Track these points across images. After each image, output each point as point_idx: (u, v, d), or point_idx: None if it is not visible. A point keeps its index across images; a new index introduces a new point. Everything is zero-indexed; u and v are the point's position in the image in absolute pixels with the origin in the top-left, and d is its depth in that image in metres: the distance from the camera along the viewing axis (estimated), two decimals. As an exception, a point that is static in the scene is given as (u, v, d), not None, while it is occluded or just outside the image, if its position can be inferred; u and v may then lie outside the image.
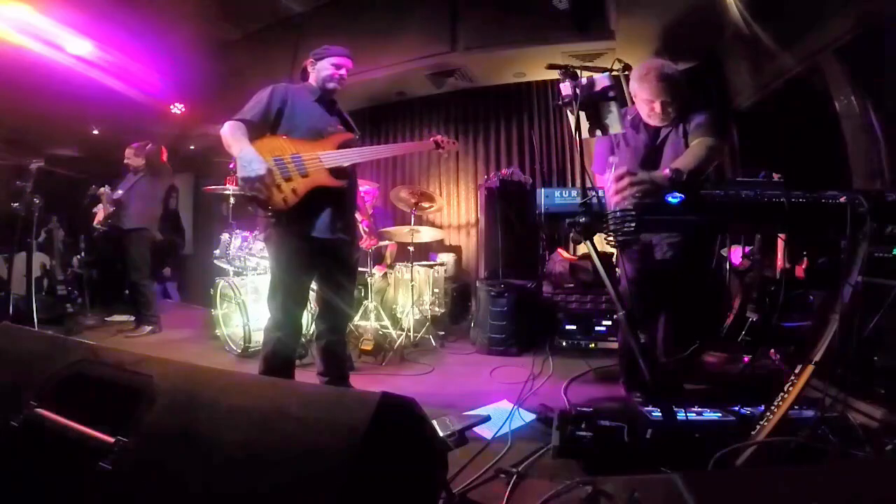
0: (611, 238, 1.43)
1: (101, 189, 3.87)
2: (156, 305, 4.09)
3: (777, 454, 1.42)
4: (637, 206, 1.43)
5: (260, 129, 2.02)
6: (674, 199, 1.48)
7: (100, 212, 3.88)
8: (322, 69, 2.19)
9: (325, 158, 2.04)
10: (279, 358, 2.03)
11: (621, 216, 1.40)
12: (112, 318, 4.59)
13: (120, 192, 3.85)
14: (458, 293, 4.34)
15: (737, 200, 1.46)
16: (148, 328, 3.93)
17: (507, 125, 4.85)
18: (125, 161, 4.00)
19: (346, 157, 2.08)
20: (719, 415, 1.66)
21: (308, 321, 3.01)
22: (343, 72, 2.19)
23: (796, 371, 1.52)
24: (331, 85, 2.18)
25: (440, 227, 4.90)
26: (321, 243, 2.05)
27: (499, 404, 2.26)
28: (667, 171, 1.50)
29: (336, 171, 2.05)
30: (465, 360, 3.26)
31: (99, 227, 3.90)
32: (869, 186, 2.43)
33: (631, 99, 2.06)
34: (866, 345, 1.51)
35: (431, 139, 2.45)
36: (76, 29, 4.44)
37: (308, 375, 2.85)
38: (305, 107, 2.14)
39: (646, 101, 1.94)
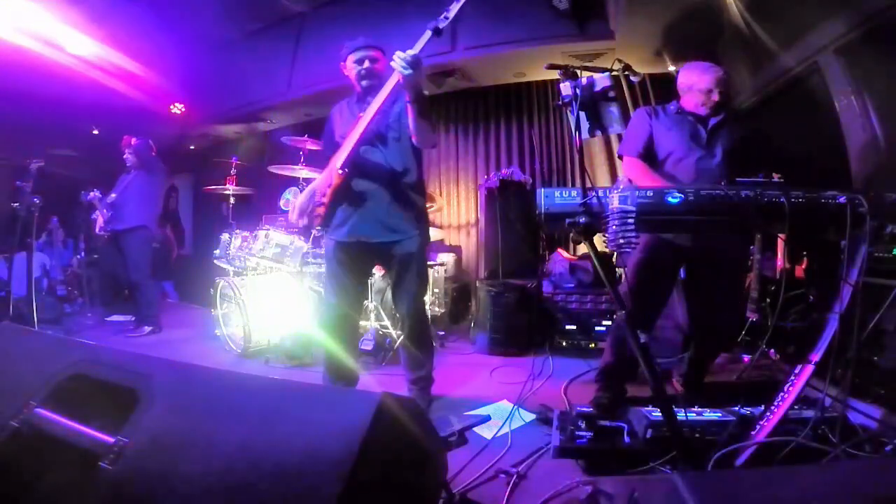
0: (612, 240, 1.42)
1: (92, 194, 3.83)
2: (157, 305, 4.08)
3: (777, 454, 1.42)
4: (637, 206, 1.44)
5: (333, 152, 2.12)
6: (674, 198, 1.48)
7: (99, 218, 3.85)
8: (350, 70, 2.13)
9: (337, 160, 2.02)
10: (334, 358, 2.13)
11: (621, 215, 1.40)
12: (112, 318, 4.59)
13: (113, 195, 3.82)
14: (458, 293, 4.34)
15: (737, 200, 1.46)
16: (148, 328, 3.92)
17: (507, 125, 4.84)
18: (125, 156, 3.97)
19: (345, 148, 2.00)
20: (719, 415, 1.66)
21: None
22: (366, 65, 2.08)
23: (796, 371, 1.52)
24: (364, 83, 2.10)
25: (440, 227, 4.90)
26: (349, 246, 2.07)
27: (499, 404, 2.26)
28: None
29: (346, 165, 2.00)
30: (465, 360, 3.26)
31: (101, 233, 3.87)
32: (869, 186, 2.43)
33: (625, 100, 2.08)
34: (866, 345, 1.50)
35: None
36: (76, 28, 4.44)
37: (309, 376, 2.86)
38: (345, 115, 2.18)
39: (705, 91, 2.06)
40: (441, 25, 1.78)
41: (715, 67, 2.07)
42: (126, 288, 4.14)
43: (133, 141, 3.95)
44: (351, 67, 2.12)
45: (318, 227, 2.15)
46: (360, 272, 2.17)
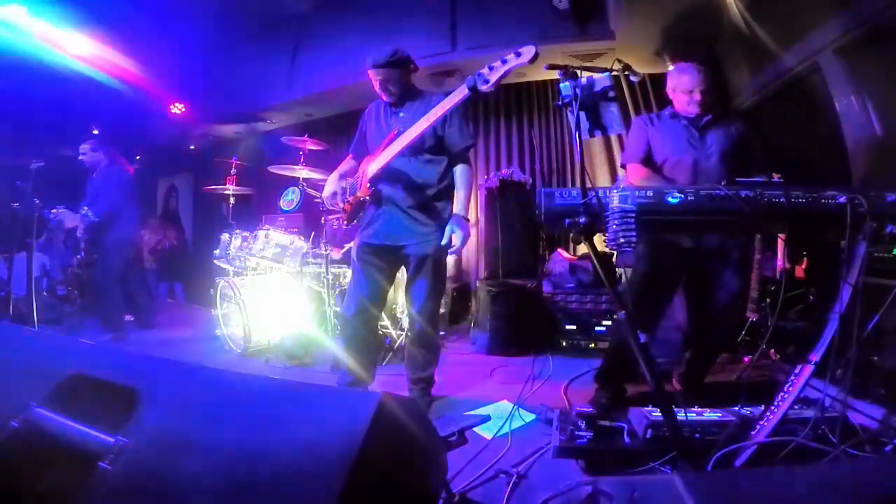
0: (613, 240, 1.42)
1: (53, 212, 3.61)
2: (121, 310, 3.82)
3: (777, 454, 1.42)
4: (637, 206, 1.44)
5: (363, 153, 2.25)
6: (674, 199, 1.48)
7: (79, 228, 3.67)
8: (374, 84, 2.13)
9: (368, 170, 2.12)
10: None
11: (621, 215, 1.40)
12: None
13: (84, 208, 3.62)
14: (458, 293, 4.33)
15: (737, 200, 1.46)
16: (113, 335, 3.65)
17: (507, 125, 4.84)
18: (80, 157, 3.74)
19: (377, 164, 2.08)
20: (719, 415, 1.66)
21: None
22: (380, 87, 2.10)
23: (796, 371, 1.52)
24: (385, 99, 2.15)
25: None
26: (374, 247, 2.13)
27: (499, 404, 2.26)
28: None
29: (376, 179, 2.11)
30: (465, 360, 3.25)
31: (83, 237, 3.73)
32: (869, 186, 2.43)
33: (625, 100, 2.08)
34: (866, 345, 1.50)
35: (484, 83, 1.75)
36: (77, 29, 4.44)
37: (309, 376, 2.86)
38: (376, 120, 2.22)
39: (687, 92, 2.09)
40: (481, 87, 1.75)
41: (693, 67, 2.10)
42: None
43: (87, 146, 3.75)
44: (373, 82, 2.13)
45: (346, 224, 2.29)
46: (384, 272, 2.19)
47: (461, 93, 1.81)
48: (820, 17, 2.65)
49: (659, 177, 2.10)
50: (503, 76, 1.72)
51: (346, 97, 4.80)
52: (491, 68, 1.73)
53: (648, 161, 2.15)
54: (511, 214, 3.90)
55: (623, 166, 2.27)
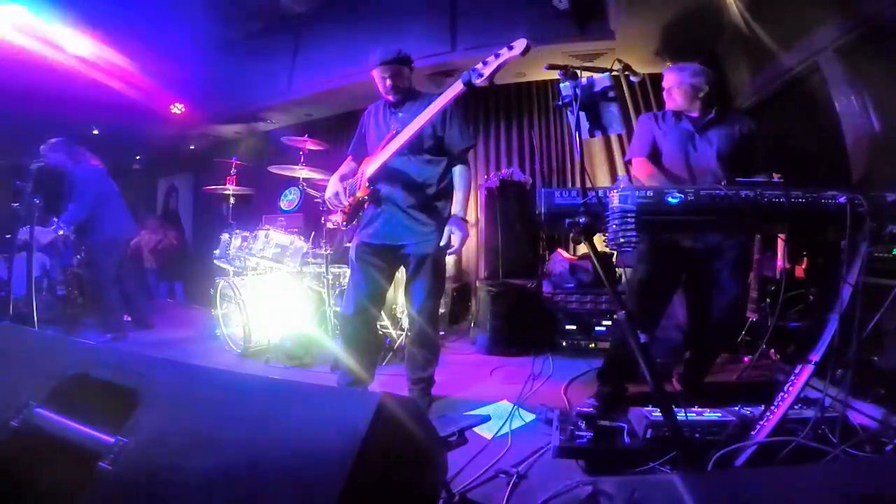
0: (613, 240, 1.42)
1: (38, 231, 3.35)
2: (120, 310, 3.80)
3: (777, 454, 1.42)
4: (637, 206, 1.44)
5: (362, 154, 2.26)
6: (674, 199, 1.48)
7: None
8: (377, 81, 2.13)
9: (367, 170, 2.12)
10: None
11: (621, 215, 1.40)
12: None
13: (52, 220, 3.51)
14: (458, 293, 4.33)
15: (737, 201, 1.46)
16: (111, 335, 3.64)
17: (507, 125, 4.84)
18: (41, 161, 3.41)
19: (375, 164, 2.08)
20: (719, 415, 1.66)
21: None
22: (388, 84, 2.09)
23: (796, 371, 1.52)
24: (389, 97, 2.15)
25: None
26: (373, 247, 2.12)
27: (499, 404, 2.26)
28: None
29: (375, 178, 2.11)
30: (465, 360, 3.25)
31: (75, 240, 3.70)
32: (869, 186, 2.43)
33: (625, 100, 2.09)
34: (866, 345, 1.50)
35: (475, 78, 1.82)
36: (76, 29, 4.44)
37: (309, 376, 2.86)
38: (376, 121, 2.23)
39: (665, 91, 2.17)
40: (475, 81, 1.79)
41: (674, 69, 2.14)
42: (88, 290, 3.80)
43: (45, 147, 3.51)
44: (378, 80, 2.13)
45: (345, 224, 2.28)
46: (383, 271, 2.18)
47: (456, 88, 1.83)
48: (820, 17, 2.65)
49: (663, 176, 2.10)
50: (497, 70, 1.75)
51: (346, 97, 4.80)
52: (485, 63, 1.75)
53: (654, 157, 2.16)
54: (511, 214, 3.90)
55: (628, 161, 2.27)
